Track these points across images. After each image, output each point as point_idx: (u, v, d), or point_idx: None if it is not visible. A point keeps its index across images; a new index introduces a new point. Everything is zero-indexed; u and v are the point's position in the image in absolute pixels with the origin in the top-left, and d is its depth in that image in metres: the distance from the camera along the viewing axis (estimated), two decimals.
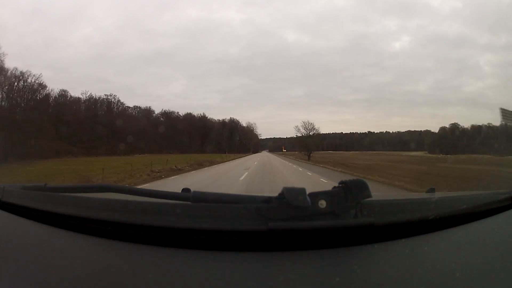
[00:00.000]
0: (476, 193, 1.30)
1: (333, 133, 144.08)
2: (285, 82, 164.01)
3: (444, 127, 78.57)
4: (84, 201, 0.87)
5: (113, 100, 78.64)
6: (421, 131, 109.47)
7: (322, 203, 0.66)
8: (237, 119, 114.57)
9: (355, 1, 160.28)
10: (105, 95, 76.20)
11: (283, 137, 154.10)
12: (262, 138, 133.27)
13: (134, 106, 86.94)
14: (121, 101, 79.88)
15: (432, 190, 1.23)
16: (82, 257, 0.69)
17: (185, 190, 0.94)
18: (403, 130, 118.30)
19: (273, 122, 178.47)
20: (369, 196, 0.69)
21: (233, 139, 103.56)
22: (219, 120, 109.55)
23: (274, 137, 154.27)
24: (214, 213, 0.72)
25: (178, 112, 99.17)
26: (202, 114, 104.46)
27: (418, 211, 0.81)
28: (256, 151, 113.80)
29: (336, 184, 0.71)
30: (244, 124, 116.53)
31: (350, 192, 0.68)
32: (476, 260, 0.68)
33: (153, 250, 0.69)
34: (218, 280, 0.59)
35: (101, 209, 0.82)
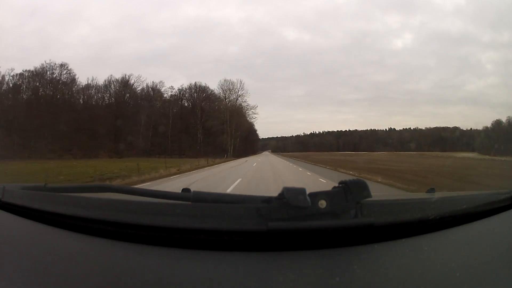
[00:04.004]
0: (476, 193, 1.30)
1: (348, 130, 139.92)
2: (285, 81, 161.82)
3: (499, 120, 62.89)
4: (84, 201, 0.87)
5: None
6: (449, 127, 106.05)
7: (322, 203, 0.66)
8: (207, 84, 62.82)
9: None
10: None
11: (287, 135, 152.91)
12: (263, 137, 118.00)
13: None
14: None
15: (432, 190, 1.23)
16: (82, 257, 0.69)
17: (185, 190, 0.94)
18: (432, 126, 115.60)
19: (273, 122, 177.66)
20: (369, 196, 0.69)
21: (191, 126, 55.54)
22: (173, 89, 59.01)
23: (277, 136, 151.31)
24: (214, 213, 0.72)
25: (71, 70, 47.12)
26: (152, 84, 55.46)
27: (418, 211, 0.81)
28: (253, 152, 64.82)
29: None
30: (215, 89, 60.67)
31: (350, 192, 0.68)
32: (476, 260, 0.68)
33: (153, 250, 0.69)
34: (218, 280, 0.59)
35: (101, 209, 0.82)
